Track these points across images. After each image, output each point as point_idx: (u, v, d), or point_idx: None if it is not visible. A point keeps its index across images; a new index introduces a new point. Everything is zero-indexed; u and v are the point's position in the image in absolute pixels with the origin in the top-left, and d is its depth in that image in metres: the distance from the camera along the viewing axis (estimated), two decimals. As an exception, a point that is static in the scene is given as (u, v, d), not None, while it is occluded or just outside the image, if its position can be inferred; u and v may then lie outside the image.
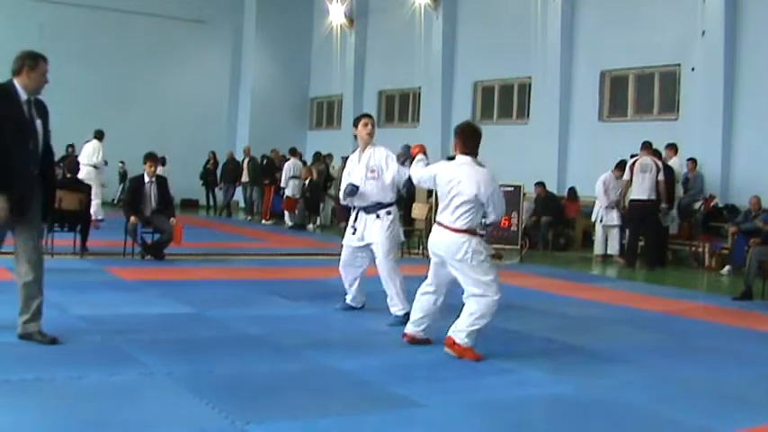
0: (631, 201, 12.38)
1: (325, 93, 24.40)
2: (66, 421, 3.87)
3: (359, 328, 6.65)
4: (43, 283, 5.41)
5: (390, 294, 6.87)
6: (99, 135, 15.65)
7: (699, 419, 4.39)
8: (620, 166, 13.21)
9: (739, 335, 7.10)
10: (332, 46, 23.28)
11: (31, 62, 5.36)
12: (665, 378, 5.32)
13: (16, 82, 5.32)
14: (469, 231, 5.55)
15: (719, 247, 12.52)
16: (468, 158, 5.71)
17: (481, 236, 5.73)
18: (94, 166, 15.17)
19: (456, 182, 5.60)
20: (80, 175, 14.22)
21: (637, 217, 12.34)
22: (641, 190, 12.13)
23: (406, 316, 6.30)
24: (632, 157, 12.82)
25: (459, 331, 5.52)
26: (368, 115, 7.39)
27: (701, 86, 14.28)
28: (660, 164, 12.28)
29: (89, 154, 15.26)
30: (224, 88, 24.78)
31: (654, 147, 12.80)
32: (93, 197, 14.47)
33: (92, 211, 14.08)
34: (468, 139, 5.78)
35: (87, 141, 15.82)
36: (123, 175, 21.34)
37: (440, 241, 5.66)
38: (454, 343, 5.52)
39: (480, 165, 5.71)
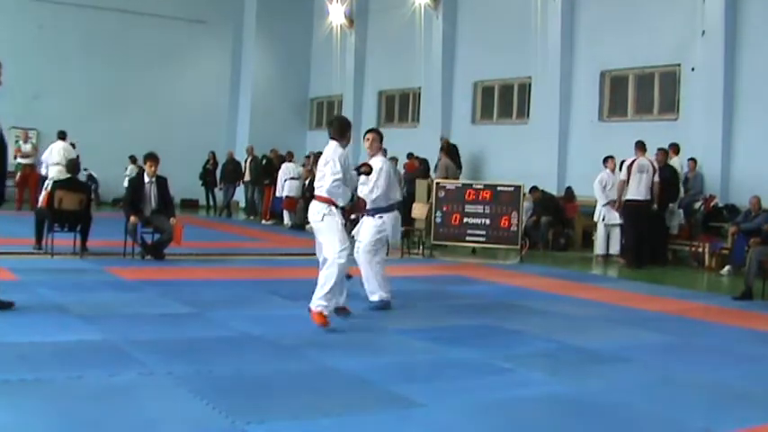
0: (627, 201, 12.43)
1: (326, 93, 24.39)
2: (66, 421, 3.87)
3: (359, 328, 6.64)
4: None
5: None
6: (62, 135, 15.70)
7: (699, 419, 4.40)
8: (610, 160, 13.54)
9: (739, 335, 7.09)
10: (332, 46, 23.26)
11: None
12: (665, 378, 5.32)
13: None
14: (328, 201, 6.55)
15: (719, 247, 12.52)
16: (333, 143, 6.74)
17: (342, 209, 6.64)
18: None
19: (322, 161, 6.75)
20: (52, 175, 14.19)
21: (632, 217, 12.40)
22: (638, 191, 12.22)
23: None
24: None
25: (317, 300, 6.35)
26: (370, 130, 7.93)
27: (701, 86, 14.28)
28: (656, 165, 12.35)
29: (62, 155, 14.97)
30: (224, 88, 24.75)
31: (658, 146, 12.90)
32: None
33: None
34: (332, 127, 6.91)
35: (53, 142, 15.82)
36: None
37: (310, 208, 6.73)
38: (312, 312, 6.37)
39: (343, 149, 6.72)
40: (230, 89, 24.88)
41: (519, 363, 5.49)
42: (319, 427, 3.95)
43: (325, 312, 6.34)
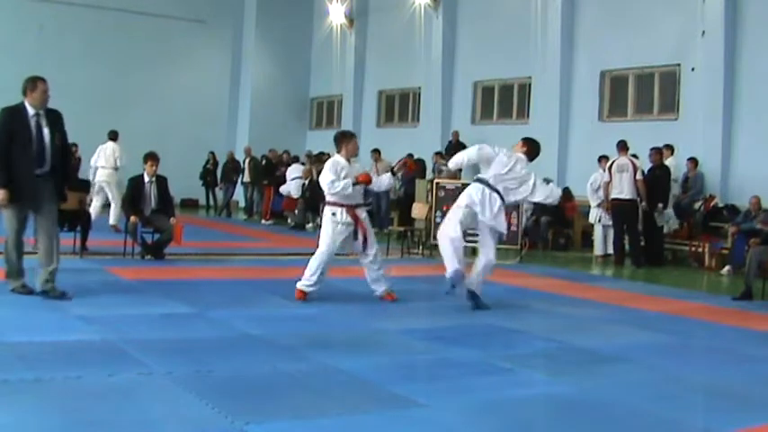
0: (612, 200, 12.72)
1: (326, 93, 24.39)
2: (66, 421, 3.87)
3: (359, 328, 6.65)
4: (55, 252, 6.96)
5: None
6: (114, 136, 15.23)
7: (699, 419, 4.40)
8: (603, 159, 13.63)
9: (739, 335, 7.10)
10: (332, 46, 23.27)
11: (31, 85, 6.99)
12: (665, 378, 5.32)
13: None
14: (333, 203, 7.65)
15: (719, 247, 12.52)
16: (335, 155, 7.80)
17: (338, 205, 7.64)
18: (115, 168, 14.77)
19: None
20: (99, 178, 14.14)
21: (617, 215, 12.64)
22: (619, 190, 12.49)
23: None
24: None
25: (305, 282, 7.66)
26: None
27: (701, 86, 14.28)
28: (637, 163, 12.54)
29: (108, 156, 14.63)
30: (224, 88, 24.74)
31: (658, 146, 12.99)
32: (111, 201, 14.26)
33: (111, 220, 13.92)
34: (337, 140, 7.84)
35: (103, 144, 15.38)
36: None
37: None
38: (300, 291, 7.64)
39: (342, 158, 7.71)
40: (230, 89, 24.86)
41: (519, 363, 5.49)
42: (319, 427, 3.95)
43: (307, 291, 7.60)
